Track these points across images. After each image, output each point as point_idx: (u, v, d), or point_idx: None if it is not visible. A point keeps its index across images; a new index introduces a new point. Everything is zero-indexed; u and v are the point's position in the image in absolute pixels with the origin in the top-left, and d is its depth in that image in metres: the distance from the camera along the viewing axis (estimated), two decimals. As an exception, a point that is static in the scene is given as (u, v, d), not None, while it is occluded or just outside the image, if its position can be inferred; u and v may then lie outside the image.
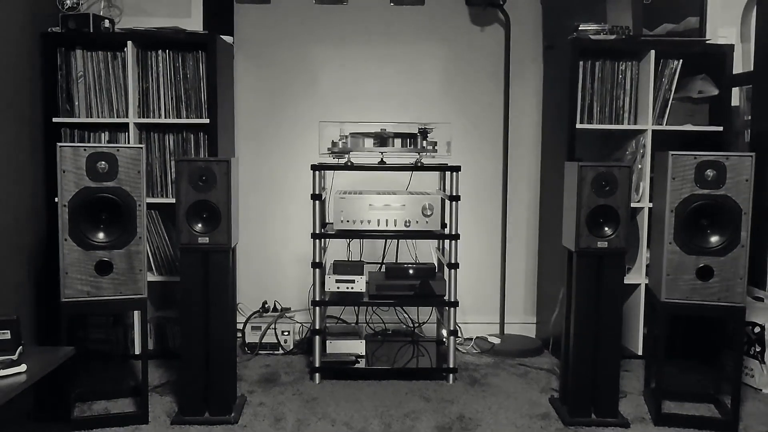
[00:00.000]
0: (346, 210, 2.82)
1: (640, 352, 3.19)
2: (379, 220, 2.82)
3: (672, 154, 2.37)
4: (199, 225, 2.36)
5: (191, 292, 2.39)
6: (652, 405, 2.59)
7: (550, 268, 3.36)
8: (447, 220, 2.88)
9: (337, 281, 2.90)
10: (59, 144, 2.28)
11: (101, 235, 2.33)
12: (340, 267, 2.95)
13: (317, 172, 2.80)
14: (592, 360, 2.45)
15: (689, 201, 2.36)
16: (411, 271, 2.97)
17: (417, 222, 2.83)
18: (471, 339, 3.45)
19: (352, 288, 2.89)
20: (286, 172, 3.51)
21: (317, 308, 2.84)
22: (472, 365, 3.12)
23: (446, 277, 2.88)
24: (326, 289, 2.90)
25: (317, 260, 2.82)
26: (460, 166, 2.80)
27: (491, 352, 3.29)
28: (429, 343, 3.30)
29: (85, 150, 2.28)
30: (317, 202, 2.81)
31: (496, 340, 3.38)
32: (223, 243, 2.36)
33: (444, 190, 3.13)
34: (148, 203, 3.03)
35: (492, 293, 3.59)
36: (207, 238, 2.36)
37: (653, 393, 2.61)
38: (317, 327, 2.84)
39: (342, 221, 2.82)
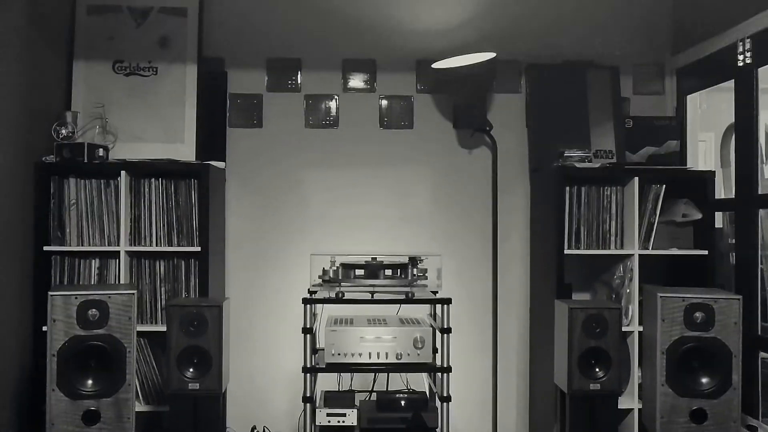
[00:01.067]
0: (337, 343, 2.81)
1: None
2: (370, 353, 2.81)
3: (661, 296, 2.40)
4: (190, 370, 2.34)
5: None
6: None
7: (540, 385, 3.33)
8: (438, 351, 2.87)
9: (328, 415, 2.86)
10: (50, 293, 2.28)
11: (89, 383, 2.30)
12: (331, 399, 2.91)
13: (308, 306, 2.81)
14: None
15: (679, 343, 2.38)
16: (403, 403, 2.94)
17: (408, 354, 2.82)
18: (464, 464, 3.39)
19: (343, 422, 2.85)
20: (277, 293, 3.51)
21: (308, 444, 2.78)
22: (465, 496, 3.05)
23: (439, 410, 2.84)
24: (317, 423, 2.85)
25: (308, 395, 2.79)
26: (450, 299, 2.82)
27: (485, 480, 3.23)
28: (421, 471, 3.23)
29: (76, 298, 2.28)
30: (308, 335, 2.79)
31: (490, 466, 3.32)
32: (214, 388, 2.34)
33: (434, 317, 3.13)
34: (137, 331, 3.02)
35: (484, 412, 3.54)
36: (197, 384, 2.33)
37: None
38: (308, 464, 2.78)
39: (333, 354, 2.80)
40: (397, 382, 3.38)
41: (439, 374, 2.84)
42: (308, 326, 2.79)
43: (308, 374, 2.80)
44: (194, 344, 2.33)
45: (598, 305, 2.40)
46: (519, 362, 3.57)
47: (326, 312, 3.38)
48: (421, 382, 3.42)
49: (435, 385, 2.98)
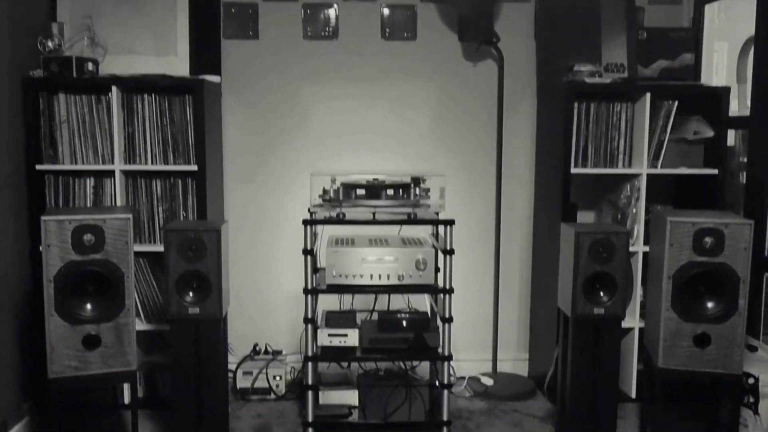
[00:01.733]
0: (338, 264, 2.77)
1: (633, 395, 3.18)
2: (372, 274, 2.77)
3: (670, 221, 2.34)
4: (189, 295, 2.31)
5: (182, 366, 2.34)
6: (647, 465, 2.58)
7: (541, 305, 3.33)
8: (440, 272, 2.84)
9: (330, 335, 2.85)
10: (43, 217, 2.21)
11: (88, 308, 2.27)
12: (333, 319, 2.90)
13: (309, 227, 2.75)
14: (589, 422, 2.43)
15: (687, 268, 2.34)
16: (404, 323, 2.93)
17: (410, 276, 2.78)
18: (464, 379, 3.43)
19: (344, 342, 2.85)
20: (276, 212, 3.45)
21: (309, 364, 2.79)
22: (465, 412, 3.10)
23: (440, 330, 2.84)
24: (319, 344, 2.85)
25: (309, 316, 2.78)
26: (453, 220, 2.76)
27: (484, 395, 3.27)
28: (423, 387, 3.27)
29: (70, 223, 2.21)
30: (309, 257, 2.75)
31: (489, 381, 3.36)
32: (214, 313, 2.32)
33: (437, 238, 3.09)
34: (135, 251, 2.98)
35: (484, 330, 3.56)
36: (197, 309, 2.31)
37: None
38: (309, 383, 2.80)
39: (334, 275, 2.77)
40: (399, 302, 3.38)
41: (441, 295, 2.82)
42: (309, 247, 2.75)
43: (309, 295, 2.77)
44: (193, 269, 2.29)
45: (605, 229, 2.34)
46: (521, 284, 3.55)
47: (327, 233, 3.33)
48: (422, 302, 3.41)
49: (437, 306, 2.97)
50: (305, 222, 2.75)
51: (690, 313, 2.35)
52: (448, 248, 2.76)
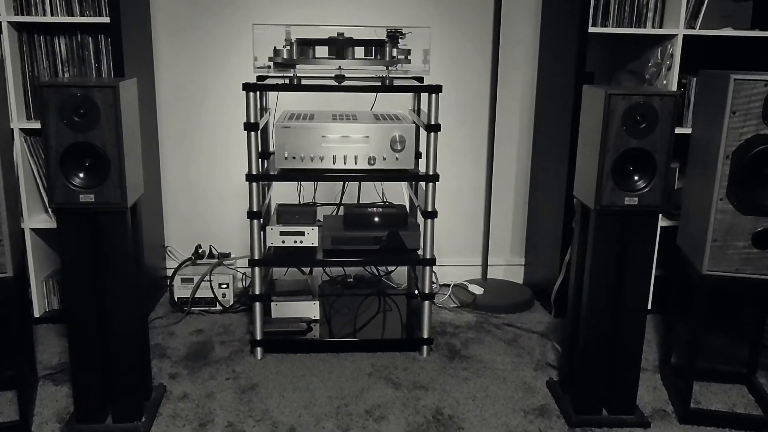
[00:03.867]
0: (292, 143, 2.15)
1: (649, 306, 2.66)
2: (335, 157, 2.16)
3: (735, 79, 1.73)
4: (80, 176, 1.69)
5: (75, 269, 1.75)
6: (674, 394, 2.07)
7: (543, 197, 2.76)
8: (423, 154, 2.24)
9: (282, 234, 2.27)
10: None
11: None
12: (286, 214, 2.31)
13: (251, 94, 2.11)
14: (606, 345, 1.90)
15: (752, 144, 1.75)
16: (376, 219, 2.35)
17: (384, 158, 2.18)
18: (448, 287, 2.89)
19: (300, 242, 2.27)
20: (217, 85, 2.78)
21: (257, 269, 2.22)
22: (450, 326, 2.57)
23: (421, 228, 2.26)
24: (269, 245, 2.27)
25: (255, 209, 2.18)
26: (440, 86, 2.12)
27: (472, 306, 2.74)
28: (398, 296, 2.74)
29: None
30: (253, 133, 2.12)
31: (478, 290, 2.82)
32: (116, 202, 1.70)
33: (417, 112, 2.46)
34: (26, 128, 2.34)
35: (473, 230, 3.00)
36: (92, 196, 1.69)
37: (675, 375, 2.10)
38: (257, 292, 2.24)
39: (286, 158, 2.16)
40: (371, 193, 2.79)
41: (423, 184, 2.23)
42: (252, 120, 2.11)
43: (253, 183, 2.17)
44: (83, 141, 1.65)
45: (646, 91, 1.73)
46: (518, 173, 2.96)
47: (282, 107, 2.70)
48: (399, 193, 2.82)
49: (416, 198, 2.38)
50: (246, 87, 2.10)
51: (750, 204, 1.78)
52: (433, 122, 2.15)
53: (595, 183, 1.77)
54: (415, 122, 2.26)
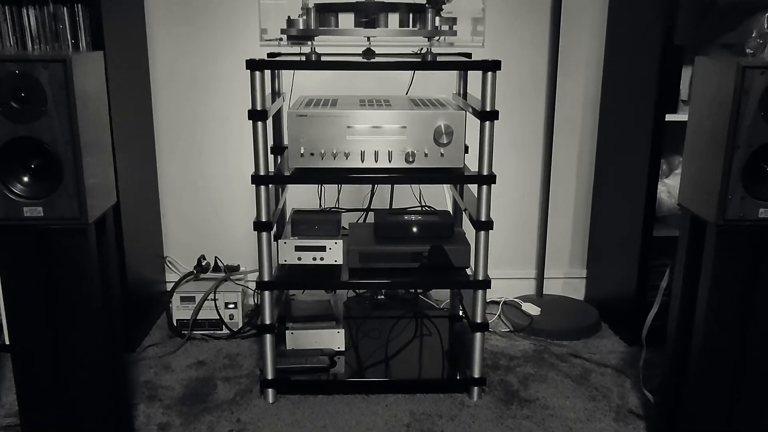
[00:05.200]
0: (309, 136, 1.70)
1: None
2: (363, 152, 1.71)
3: None
4: (24, 182, 1.26)
5: (20, 300, 1.32)
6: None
7: (611, 202, 2.29)
8: (476, 150, 1.78)
9: (298, 248, 1.83)
10: None
11: None
12: (303, 224, 1.87)
13: (258, 74, 1.66)
14: (726, 400, 1.43)
15: None
16: (415, 229, 1.90)
17: (426, 155, 1.72)
18: (497, 305, 2.43)
19: (322, 259, 1.83)
20: (226, 66, 2.34)
21: (266, 294, 1.78)
22: (503, 357, 2.12)
23: (472, 241, 1.81)
24: (282, 261, 1.83)
25: (263, 218, 1.74)
26: (499, 62, 1.66)
27: (528, 331, 2.28)
28: (439, 319, 2.28)
29: None
30: (260, 123, 1.68)
31: (534, 310, 2.36)
32: (72, 216, 1.27)
33: (463, 95, 2.00)
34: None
35: (525, 237, 2.53)
36: (40, 209, 1.26)
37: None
38: (267, 321, 1.80)
39: (302, 154, 1.71)
40: (406, 196, 2.34)
41: (474, 186, 1.77)
42: (259, 107, 1.67)
43: (262, 186, 1.72)
44: (24, 135, 1.22)
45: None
46: (580, 166, 2.48)
47: (299, 92, 2.25)
48: (440, 195, 2.37)
49: (462, 201, 1.92)
50: (252, 65, 1.65)
51: None
52: (489, 108, 1.68)
53: (718, 190, 1.30)
54: (463, 108, 1.79)
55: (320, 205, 2.25)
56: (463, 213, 1.94)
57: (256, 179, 1.70)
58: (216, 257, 2.39)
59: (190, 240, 2.46)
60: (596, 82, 2.39)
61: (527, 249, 2.54)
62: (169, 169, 2.40)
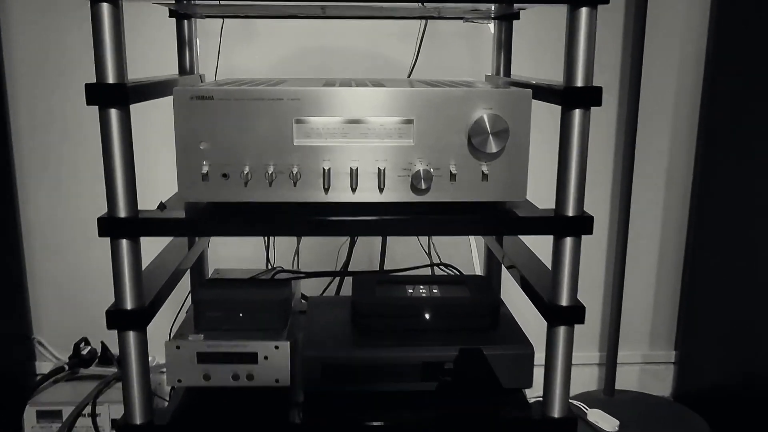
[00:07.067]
0: (219, 141, 0.84)
1: None
2: (327, 171, 0.84)
3: None
4: None
5: None
6: None
7: (719, 255, 1.44)
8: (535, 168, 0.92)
9: (206, 358, 0.94)
10: None
11: None
12: (216, 308, 0.99)
13: (105, 5, 0.79)
14: None
15: None
16: (427, 314, 1.03)
17: (454, 175, 0.85)
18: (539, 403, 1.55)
19: (250, 378, 0.95)
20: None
21: (138, 450, 0.90)
22: None
23: (536, 334, 0.95)
24: (174, 382, 0.96)
25: (126, 304, 0.86)
26: (603, -13, 0.81)
27: (605, 463, 1.41)
28: None
29: None
30: (113, 111, 0.81)
31: (610, 424, 1.48)
32: None
33: (505, 73, 1.15)
34: None
35: (590, 303, 1.66)
36: None
37: None
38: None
39: (206, 176, 0.84)
40: (410, 245, 1.47)
41: (551, 237, 0.90)
42: (112, 78, 0.80)
43: (123, 241, 0.85)
44: None
45: None
46: (668, 201, 1.64)
47: (227, 73, 1.39)
48: (458, 245, 1.49)
49: (504, 255, 1.05)
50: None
51: None
52: (581, 82, 0.83)
53: None
54: (526, 85, 0.93)
55: (267, 264, 1.36)
56: (503, 272, 1.08)
57: (107, 226, 0.83)
58: (102, 342, 1.50)
59: (67, 316, 1.58)
60: (697, 72, 1.55)
61: (590, 320, 1.67)
62: (36, 208, 1.53)
